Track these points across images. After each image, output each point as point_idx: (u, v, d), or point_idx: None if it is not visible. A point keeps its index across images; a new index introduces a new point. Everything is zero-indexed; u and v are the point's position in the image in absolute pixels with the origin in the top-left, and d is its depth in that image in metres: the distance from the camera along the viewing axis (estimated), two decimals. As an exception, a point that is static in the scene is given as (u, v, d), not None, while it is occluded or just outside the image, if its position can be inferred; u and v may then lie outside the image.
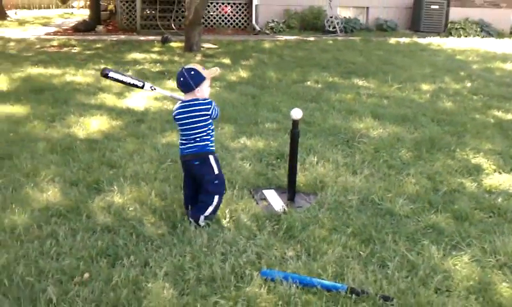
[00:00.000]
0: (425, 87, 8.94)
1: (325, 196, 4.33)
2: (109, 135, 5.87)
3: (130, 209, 4.02)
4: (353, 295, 2.96)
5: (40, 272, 3.14)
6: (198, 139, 3.73)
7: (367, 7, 18.58)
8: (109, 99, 7.58)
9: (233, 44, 14.01)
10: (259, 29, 17.16)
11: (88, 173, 4.75)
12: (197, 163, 3.77)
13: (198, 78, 3.69)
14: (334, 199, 4.26)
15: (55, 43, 13.88)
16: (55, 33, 16.49)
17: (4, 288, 3.00)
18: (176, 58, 11.64)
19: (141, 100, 7.53)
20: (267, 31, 16.94)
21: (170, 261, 3.29)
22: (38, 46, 13.20)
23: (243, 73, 9.81)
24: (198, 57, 11.68)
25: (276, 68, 10.50)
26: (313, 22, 17.44)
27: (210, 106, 3.72)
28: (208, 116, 3.73)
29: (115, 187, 4.37)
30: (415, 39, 15.99)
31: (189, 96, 3.75)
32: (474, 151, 5.54)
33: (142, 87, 4.02)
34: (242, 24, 17.98)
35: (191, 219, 3.76)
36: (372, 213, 4.06)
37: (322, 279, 3.12)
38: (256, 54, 12.40)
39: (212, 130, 3.82)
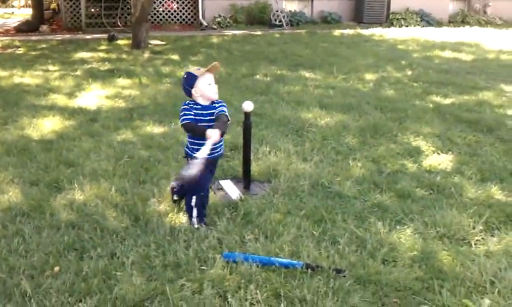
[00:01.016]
0: (368, 76, 9.34)
1: (278, 182, 4.58)
2: (64, 135, 5.93)
3: (92, 205, 4.15)
4: (309, 270, 3.22)
5: (11, 269, 3.26)
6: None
7: (312, 1, 18.99)
8: (60, 99, 7.59)
9: (181, 40, 14.10)
10: (206, 24, 17.28)
11: (46, 172, 4.83)
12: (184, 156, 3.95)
13: (191, 80, 3.70)
14: (287, 185, 4.52)
15: (-2, 44, 13.62)
16: (-3, 34, 16.13)
17: (-25, 285, 3.11)
18: (124, 56, 11.66)
19: (92, 98, 7.59)
20: (215, 26, 17.09)
21: (136, 251, 3.47)
22: (-20, 48, 12.93)
23: (192, 69, 9.92)
24: (146, 54, 11.73)
25: (225, 62, 10.67)
26: (259, 16, 17.70)
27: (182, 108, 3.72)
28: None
29: (75, 185, 4.48)
30: (359, 30, 16.49)
31: (193, 98, 3.76)
32: (415, 134, 5.92)
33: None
34: (189, 20, 18.05)
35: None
36: (323, 196, 4.35)
37: (280, 257, 3.37)
38: (204, 49, 12.55)
39: (188, 136, 3.83)
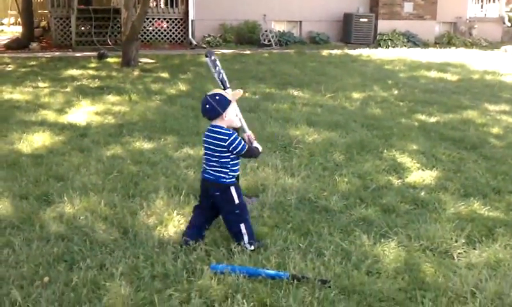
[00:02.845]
0: (355, 95, 9.49)
1: (266, 197, 4.65)
2: (54, 150, 5.97)
3: (82, 218, 4.20)
4: (295, 281, 3.29)
5: (1, 279, 3.31)
6: (213, 168, 3.70)
7: (300, 21, 19.23)
8: (50, 115, 7.64)
9: (170, 58, 14.21)
10: (196, 43, 17.43)
11: (36, 186, 4.87)
12: (217, 194, 3.73)
13: (225, 103, 3.61)
14: (274, 200, 4.60)
15: (-13, 61, 13.63)
16: (-14, 51, 16.14)
17: (-34, 295, 3.15)
18: (114, 73, 11.72)
19: (82, 115, 7.64)
20: (204, 45, 17.23)
21: (125, 262, 3.52)
22: (-31, 65, 12.94)
23: (182, 87, 10.05)
24: (136, 72, 11.80)
25: (213, 81, 10.75)
26: (248, 36, 17.89)
27: (227, 138, 3.60)
28: (225, 148, 3.63)
29: (65, 198, 4.53)
30: (346, 50, 16.71)
31: (217, 122, 3.66)
32: (400, 151, 6.04)
33: (224, 89, 3.93)
34: (179, 39, 18.20)
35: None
36: (310, 210, 4.43)
37: (267, 269, 3.44)
38: (194, 67, 12.65)
39: (232, 165, 3.71)
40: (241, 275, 3.34)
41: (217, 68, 4.03)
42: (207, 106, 3.62)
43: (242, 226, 3.72)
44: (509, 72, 12.62)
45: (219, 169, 3.69)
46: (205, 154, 3.75)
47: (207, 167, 3.74)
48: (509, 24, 22.28)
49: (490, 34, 20.93)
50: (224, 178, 3.71)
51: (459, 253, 3.77)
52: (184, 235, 3.81)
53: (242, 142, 3.68)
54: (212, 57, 4.00)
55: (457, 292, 3.27)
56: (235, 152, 3.66)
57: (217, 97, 3.62)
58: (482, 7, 22.12)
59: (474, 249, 3.83)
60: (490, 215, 4.43)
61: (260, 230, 3.99)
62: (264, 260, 3.55)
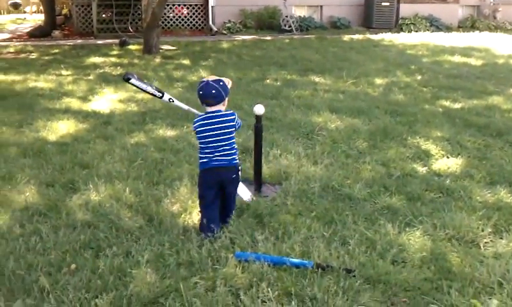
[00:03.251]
0: (378, 81, 9.40)
1: (289, 185, 4.65)
2: (78, 138, 6.04)
3: (107, 205, 4.24)
4: (319, 270, 3.29)
5: (29, 266, 3.36)
6: (225, 152, 3.73)
7: (321, 6, 19.07)
8: (73, 103, 7.72)
9: (191, 45, 14.22)
10: (216, 29, 17.40)
11: (61, 174, 4.94)
12: (234, 176, 3.82)
13: (227, 89, 3.72)
14: (298, 188, 4.58)
15: (11, 49, 13.79)
16: (10, 39, 16.32)
17: (-4, 281, 3.21)
18: (135, 61, 11.79)
19: (106, 102, 7.70)
20: (224, 31, 17.21)
21: (150, 249, 3.55)
22: (-6, 53, 13.12)
23: (204, 74, 10.05)
24: (158, 59, 11.85)
25: (235, 67, 10.79)
26: (269, 22, 17.80)
27: (234, 117, 3.76)
28: (234, 128, 3.76)
29: (90, 186, 4.58)
30: (368, 35, 16.55)
31: (217, 107, 3.72)
32: (424, 138, 5.97)
33: (161, 98, 4.10)
34: (200, 25, 18.19)
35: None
36: (333, 198, 4.41)
37: (291, 257, 3.44)
38: (214, 54, 12.66)
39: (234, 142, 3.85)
40: (266, 263, 3.34)
41: (144, 81, 4.14)
42: (213, 91, 3.65)
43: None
44: (535, 56, 12.37)
45: (231, 151, 3.76)
46: (212, 142, 3.71)
47: (217, 154, 3.72)
48: (535, 7, 21.79)
49: (515, 17, 20.52)
50: (235, 159, 3.81)
51: (485, 243, 3.72)
52: (207, 231, 3.75)
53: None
54: (135, 77, 4.05)
55: (484, 282, 3.23)
56: (237, 128, 3.81)
57: (221, 83, 3.69)
58: (506, -10, 21.67)
59: (501, 238, 3.78)
60: (517, 203, 4.36)
61: (284, 218, 3.99)
62: (288, 249, 3.55)
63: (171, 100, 4.17)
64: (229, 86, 3.78)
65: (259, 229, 3.84)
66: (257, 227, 3.89)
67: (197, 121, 3.75)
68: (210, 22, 17.76)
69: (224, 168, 3.76)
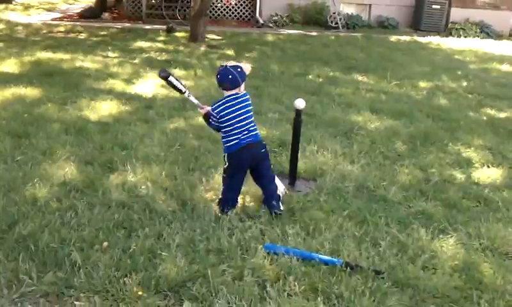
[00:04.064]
0: (422, 84, 9.23)
1: (324, 182, 4.63)
2: (120, 119, 6.15)
3: (143, 187, 4.32)
4: (348, 269, 3.27)
5: (62, 240, 3.46)
6: (252, 128, 3.95)
7: (370, 5, 18.81)
8: (118, 85, 7.86)
9: (236, 36, 14.25)
10: (262, 22, 17.38)
11: (101, 153, 5.04)
12: (263, 150, 4.05)
13: (244, 75, 3.90)
14: (332, 185, 4.56)
15: (62, 28, 14.12)
16: (61, 19, 16.71)
17: (31, 253, 3.31)
18: (181, 48, 11.89)
19: (149, 86, 7.81)
20: (271, 24, 17.17)
21: (181, 234, 3.60)
22: (45, 31, 13.43)
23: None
24: (203, 48, 11.93)
25: (278, 61, 10.76)
26: (316, 17, 17.67)
27: (249, 97, 4.00)
28: (251, 106, 3.99)
29: (128, 167, 4.67)
30: (415, 37, 16.24)
31: (234, 90, 3.90)
32: (466, 145, 5.85)
33: (184, 93, 4.23)
34: (246, 17, 18.22)
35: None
36: (367, 199, 4.38)
37: (320, 254, 3.43)
38: (259, 46, 12.65)
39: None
40: (294, 257, 3.35)
41: (176, 83, 4.18)
42: (230, 76, 3.85)
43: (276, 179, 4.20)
44: None
45: (255, 127, 4.01)
46: (237, 122, 3.89)
47: (245, 132, 3.92)
48: None
49: None
50: (259, 135, 4.07)
51: (521, 256, 3.64)
52: (227, 206, 3.98)
53: None
54: (169, 78, 4.11)
55: (516, 296, 3.16)
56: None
57: (238, 69, 3.87)
58: None
59: (538, 253, 3.68)
60: (558, 219, 4.23)
61: (316, 214, 3.98)
62: (317, 245, 3.54)
63: (188, 95, 4.25)
64: (247, 72, 3.94)
65: (290, 223, 3.84)
66: (288, 221, 3.89)
67: (217, 107, 3.92)
68: (257, 14, 17.75)
69: (254, 144, 3.96)
